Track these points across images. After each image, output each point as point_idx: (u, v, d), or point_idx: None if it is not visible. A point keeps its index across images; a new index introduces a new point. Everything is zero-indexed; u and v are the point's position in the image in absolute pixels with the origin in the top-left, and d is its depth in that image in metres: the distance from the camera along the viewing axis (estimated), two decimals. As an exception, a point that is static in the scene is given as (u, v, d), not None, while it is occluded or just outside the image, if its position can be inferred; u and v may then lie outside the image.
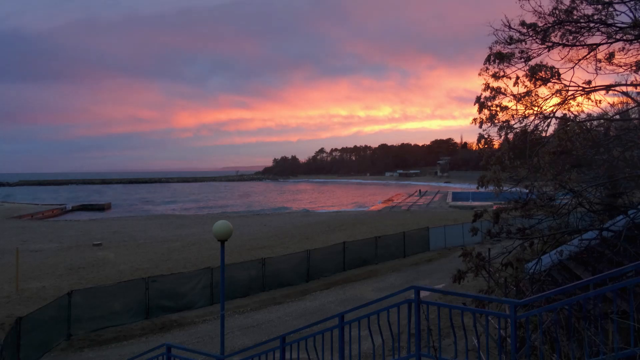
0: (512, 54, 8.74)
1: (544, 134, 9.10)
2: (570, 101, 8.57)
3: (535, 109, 8.82)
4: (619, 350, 4.19)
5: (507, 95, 9.00)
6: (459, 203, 67.45)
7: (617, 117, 10.13)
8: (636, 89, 8.54)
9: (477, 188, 9.45)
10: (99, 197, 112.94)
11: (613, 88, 8.45)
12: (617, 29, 7.96)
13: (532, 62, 8.65)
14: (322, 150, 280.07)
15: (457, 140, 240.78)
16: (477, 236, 9.67)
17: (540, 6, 8.37)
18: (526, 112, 8.91)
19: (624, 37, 7.96)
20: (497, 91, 9.03)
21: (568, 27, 8.31)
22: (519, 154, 9.02)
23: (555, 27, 8.36)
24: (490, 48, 8.86)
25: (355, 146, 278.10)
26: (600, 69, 8.31)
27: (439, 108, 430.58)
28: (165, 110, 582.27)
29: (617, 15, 7.99)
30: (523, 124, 8.97)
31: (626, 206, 8.32)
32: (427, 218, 46.33)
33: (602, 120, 9.48)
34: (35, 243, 34.20)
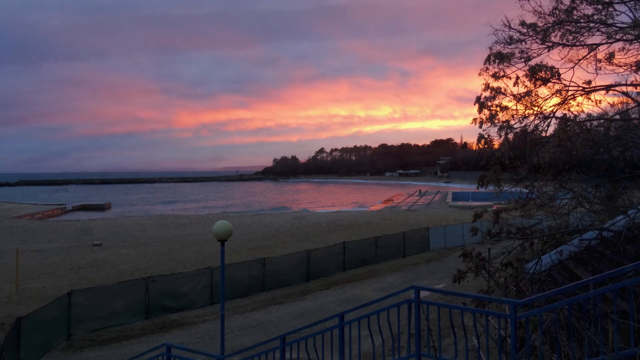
0: (512, 54, 8.74)
1: (544, 134, 9.11)
2: (570, 101, 8.56)
3: (535, 109, 8.81)
4: (619, 350, 4.19)
5: (507, 95, 9.00)
6: (459, 203, 67.40)
7: (617, 117, 10.12)
8: (636, 89, 8.53)
9: (477, 188, 9.45)
10: (99, 197, 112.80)
11: (613, 88, 8.45)
12: (617, 29, 7.96)
13: (532, 62, 8.65)
14: (322, 150, 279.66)
15: (457, 140, 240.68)
16: (477, 236, 9.67)
17: (540, 6, 8.38)
18: (526, 112, 8.90)
19: (624, 37, 7.95)
20: (497, 91, 9.02)
21: (568, 27, 8.31)
22: (519, 154, 9.02)
23: (555, 27, 8.36)
24: (490, 48, 8.87)
25: (355, 146, 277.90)
26: (600, 69, 8.30)
27: (439, 108, 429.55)
28: (165, 110, 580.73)
29: (617, 15, 7.99)
30: (523, 124, 8.97)
31: (626, 206, 8.32)
32: (427, 218, 46.33)
33: (602, 120, 9.47)
34: (35, 243, 34.21)
